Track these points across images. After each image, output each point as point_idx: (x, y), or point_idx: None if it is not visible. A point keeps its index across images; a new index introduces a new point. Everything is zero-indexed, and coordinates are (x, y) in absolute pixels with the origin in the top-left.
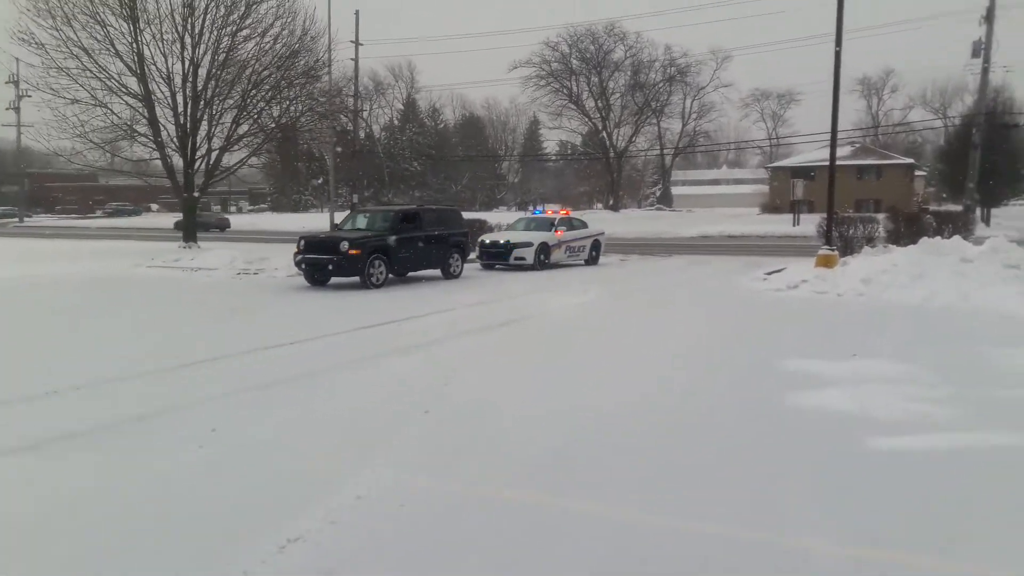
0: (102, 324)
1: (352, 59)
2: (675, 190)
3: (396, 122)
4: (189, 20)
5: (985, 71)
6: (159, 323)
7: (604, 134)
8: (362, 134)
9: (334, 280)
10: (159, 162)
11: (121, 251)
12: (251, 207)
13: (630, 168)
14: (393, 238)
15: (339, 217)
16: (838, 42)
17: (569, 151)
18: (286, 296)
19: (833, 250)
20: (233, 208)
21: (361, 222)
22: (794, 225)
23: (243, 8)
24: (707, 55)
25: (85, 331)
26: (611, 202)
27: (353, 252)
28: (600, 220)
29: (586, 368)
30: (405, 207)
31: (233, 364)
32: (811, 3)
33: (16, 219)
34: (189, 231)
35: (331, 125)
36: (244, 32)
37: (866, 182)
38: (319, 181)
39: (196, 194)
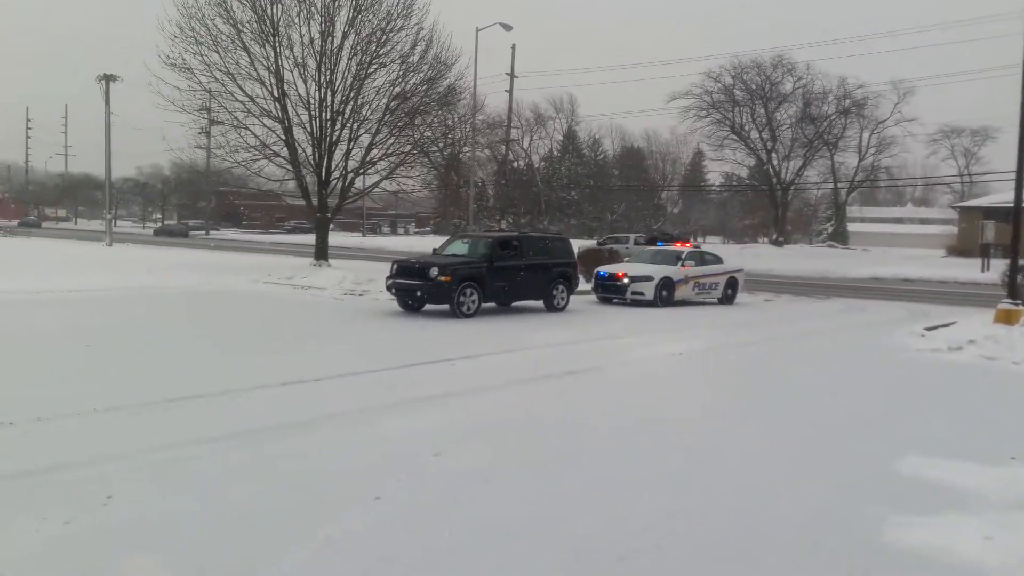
0: (150, 343)
1: (507, 91)
2: (852, 227)
3: (556, 152)
4: (328, 46)
5: None
6: (212, 344)
7: (769, 166)
8: (522, 163)
9: (429, 306)
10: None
11: (255, 265)
12: (416, 230)
13: (801, 203)
14: (488, 266)
15: None
16: None
17: (734, 183)
18: (370, 321)
19: (1017, 304)
20: (401, 230)
21: (460, 248)
22: (982, 271)
23: (380, 35)
24: (887, 87)
25: (116, 350)
26: (776, 236)
27: (443, 279)
28: (760, 255)
29: (620, 456)
30: (504, 234)
31: (219, 404)
32: (1007, 28)
33: (204, 232)
34: (320, 249)
35: (469, 156)
36: (379, 60)
37: None
38: (475, 206)
39: (328, 214)
